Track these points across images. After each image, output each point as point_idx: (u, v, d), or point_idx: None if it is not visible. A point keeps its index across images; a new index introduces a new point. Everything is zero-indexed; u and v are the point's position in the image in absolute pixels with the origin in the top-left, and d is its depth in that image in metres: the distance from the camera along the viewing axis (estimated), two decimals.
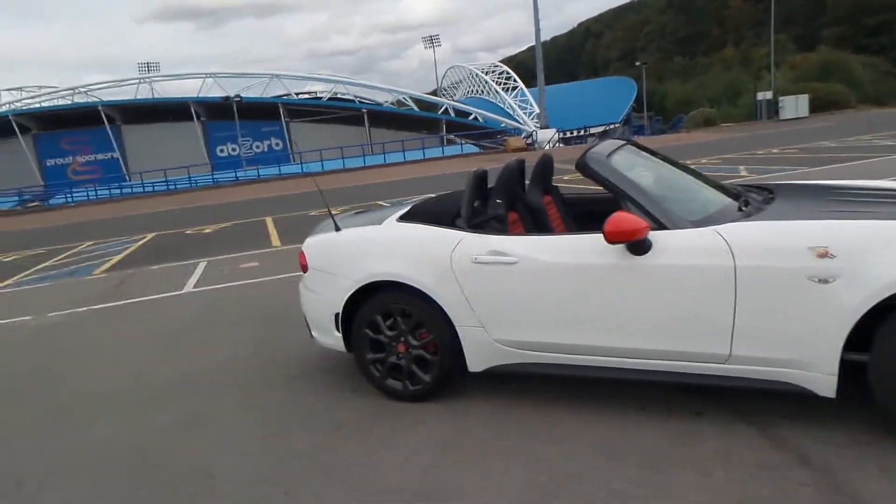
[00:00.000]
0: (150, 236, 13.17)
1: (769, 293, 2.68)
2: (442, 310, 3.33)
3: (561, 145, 32.98)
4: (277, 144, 47.16)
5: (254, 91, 48.89)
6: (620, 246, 2.88)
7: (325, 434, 3.28)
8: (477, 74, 62.96)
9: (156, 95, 49.38)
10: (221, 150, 46.20)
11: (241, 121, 40.40)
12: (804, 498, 2.34)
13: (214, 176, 36.31)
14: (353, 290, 3.53)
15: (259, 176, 33.66)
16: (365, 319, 3.54)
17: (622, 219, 2.82)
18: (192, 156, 40.62)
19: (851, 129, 22.39)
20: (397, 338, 3.49)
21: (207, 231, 12.95)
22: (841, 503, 2.29)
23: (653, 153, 3.67)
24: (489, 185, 3.83)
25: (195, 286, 7.53)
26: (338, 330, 3.67)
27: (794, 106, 36.14)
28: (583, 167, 3.15)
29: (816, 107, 36.90)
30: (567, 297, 3.07)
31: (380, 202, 14.20)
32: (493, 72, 62.15)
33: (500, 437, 3.04)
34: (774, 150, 18.14)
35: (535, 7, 36.56)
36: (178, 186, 33.44)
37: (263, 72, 51.50)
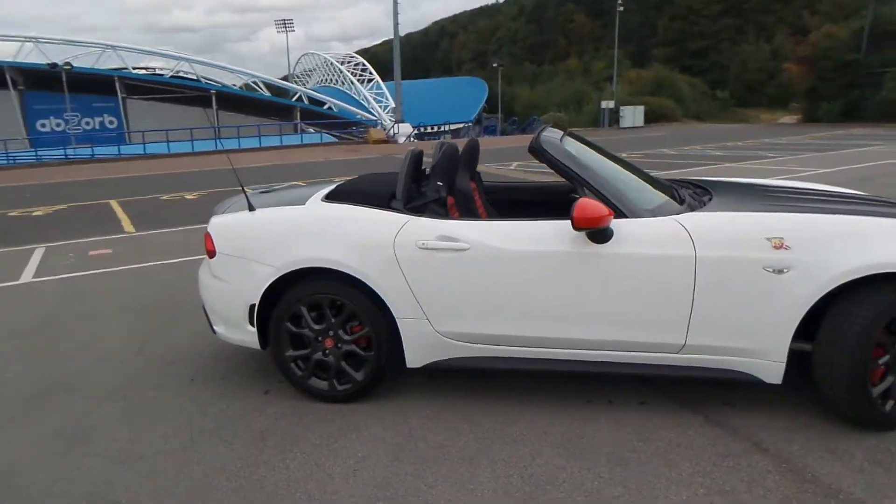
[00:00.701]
0: None
1: (727, 283, 2.72)
2: (380, 300, 3.02)
3: (414, 140, 33.19)
4: (112, 122, 42.59)
5: (83, 62, 43.76)
6: (581, 234, 2.77)
7: (248, 445, 2.84)
8: (332, 63, 61.42)
9: None
10: (43, 125, 40.80)
11: (71, 94, 35.96)
12: (773, 485, 2.37)
13: (38, 153, 31.95)
14: (275, 279, 3.11)
15: (94, 155, 30.08)
16: (286, 312, 3.13)
17: (588, 205, 2.71)
18: (3, 130, 35.41)
19: (683, 139, 24.73)
20: (324, 332, 3.13)
21: (38, 213, 11.24)
22: (809, 489, 2.34)
23: (590, 144, 3.63)
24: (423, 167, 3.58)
25: (35, 276, 6.43)
26: (252, 324, 3.22)
27: (633, 116, 39.36)
28: (539, 151, 3.01)
29: (650, 118, 40.50)
30: (522, 286, 2.91)
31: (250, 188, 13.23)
32: (349, 62, 61.04)
33: (454, 439, 2.81)
34: (623, 155, 19.55)
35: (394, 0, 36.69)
36: None
37: (97, 41, 46.27)
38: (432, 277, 2.98)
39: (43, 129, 40.30)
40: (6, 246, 8.15)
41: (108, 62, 44.28)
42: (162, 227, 9.02)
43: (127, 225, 9.51)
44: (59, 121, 39.52)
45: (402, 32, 40.89)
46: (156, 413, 3.19)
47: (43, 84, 39.02)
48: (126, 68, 44.90)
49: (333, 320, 3.10)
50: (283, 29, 64.10)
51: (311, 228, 3.19)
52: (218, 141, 28.74)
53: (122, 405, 3.29)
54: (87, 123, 41.60)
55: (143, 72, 47.85)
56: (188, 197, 12.60)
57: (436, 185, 3.33)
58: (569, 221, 2.75)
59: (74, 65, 38.25)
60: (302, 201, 3.39)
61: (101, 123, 42.13)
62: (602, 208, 2.71)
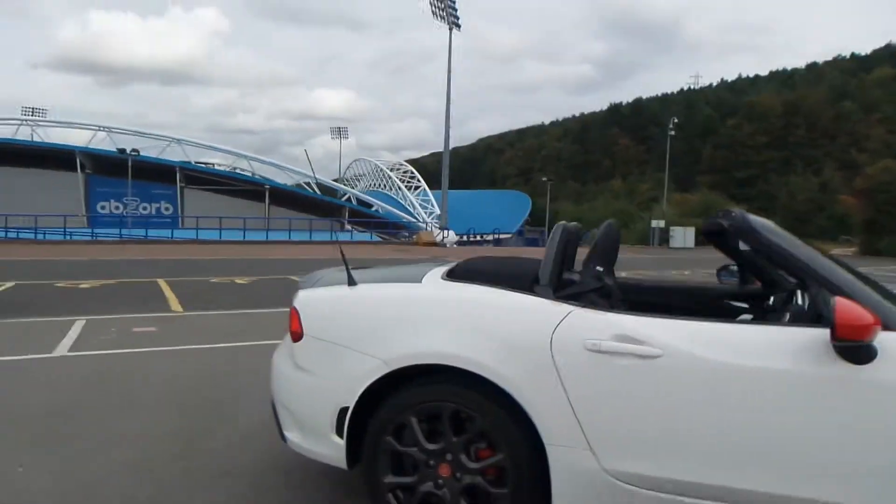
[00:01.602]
0: (7, 285, 10.81)
1: None
2: (524, 416, 2.17)
3: (456, 246, 33.25)
4: (167, 209, 43.90)
5: (149, 153, 45.77)
6: (828, 349, 1.94)
7: None
8: (381, 169, 63.35)
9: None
10: (103, 207, 42.20)
11: (133, 180, 37.27)
12: None
13: (95, 231, 32.64)
14: (380, 376, 2.31)
15: (147, 236, 30.50)
16: (389, 422, 2.31)
17: (853, 309, 1.89)
18: (66, 210, 36.49)
19: None
20: (440, 454, 2.27)
21: (85, 286, 10.80)
22: None
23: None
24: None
25: (70, 350, 5.75)
26: (340, 434, 2.39)
27: (683, 237, 38.65)
28: (748, 231, 2.26)
29: (700, 241, 39.90)
30: (739, 415, 2.05)
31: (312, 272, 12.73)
32: (398, 169, 62.89)
33: None
34: (686, 272, 18.63)
35: (447, 115, 38.44)
36: (47, 236, 29.54)
37: (164, 133, 48.74)
38: (605, 392, 2.14)
39: (102, 211, 41.57)
40: (46, 315, 7.58)
41: (171, 155, 46.30)
42: (211, 310, 8.40)
43: (174, 304, 8.92)
44: (119, 203, 40.82)
45: (450, 146, 42.06)
46: None
47: (109, 170, 40.70)
48: (188, 161, 46.80)
49: (455, 439, 2.25)
50: (338, 135, 67.04)
51: (433, 313, 2.42)
52: (269, 233, 28.90)
53: None
54: (144, 209, 42.90)
55: (203, 165, 49.87)
56: (238, 281, 12.11)
57: (595, 270, 2.57)
58: (808, 329, 2.01)
59: (141, 154, 39.96)
60: (416, 279, 2.65)
61: (158, 209, 43.38)
62: (864, 315, 1.89)
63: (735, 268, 3.39)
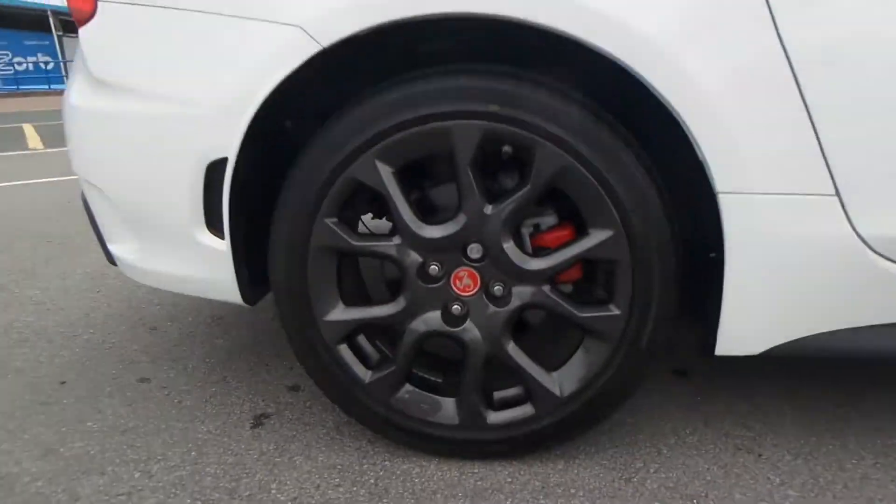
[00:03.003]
0: None
1: None
2: (666, 134, 1.18)
3: None
4: (46, 63, 39.93)
5: None
6: None
7: None
8: None
9: None
10: None
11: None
12: None
13: None
14: (298, 65, 1.17)
15: (18, 88, 27.93)
16: (326, 182, 1.26)
17: None
18: None
19: None
20: (457, 243, 1.28)
21: None
22: None
23: None
24: None
25: None
26: (214, 228, 1.33)
27: None
28: None
29: None
30: None
31: None
32: None
33: None
34: None
35: None
36: None
37: None
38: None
39: None
40: None
41: None
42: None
43: (36, 143, 8.46)
44: None
45: None
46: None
47: None
48: (64, 4, 41.85)
49: (488, 206, 1.25)
50: None
51: None
52: None
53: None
54: (20, 64, 38.82)
55: None
56: None
57: None
58: None
59: None
60: None
61: (36, 65, 39.39)
62: None
63: None
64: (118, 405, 1.70)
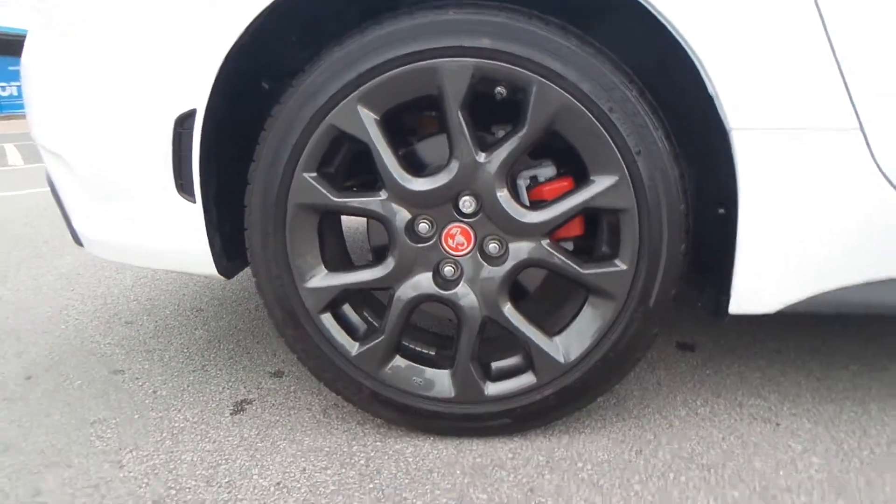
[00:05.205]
0: None
1: None
2: (689, 60, 1.06)
3: None
4: None
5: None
6: None
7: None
8: None
9: None
10: None
11: None
12: None
13: None
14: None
15: (2, 112, 27.71)
16: (326, 132, 1.16)
17: None
18: None
19: None
20: (448, 195, 1.18)
21: None
22: None
23: None
24: None
25: None
26: (184, 189, 1.21)
27: None
28: None
29: None
30: None
31: None
32: None
33: None
34: None
35: None
36: None
37: None
38: None
39: None
40: None
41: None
42: None
43: (16, 159, 8.32)
44: None
45: None
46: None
47: None
48: None
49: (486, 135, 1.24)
50: None
51: None
52: None
53: None
54: (3, 89, 38.61)
55: None
56: None
57: None
58: None
59: None
60: None
61: (20, 89, 39.09)
62: None
63: None
64: (87, 397, 1.58)
